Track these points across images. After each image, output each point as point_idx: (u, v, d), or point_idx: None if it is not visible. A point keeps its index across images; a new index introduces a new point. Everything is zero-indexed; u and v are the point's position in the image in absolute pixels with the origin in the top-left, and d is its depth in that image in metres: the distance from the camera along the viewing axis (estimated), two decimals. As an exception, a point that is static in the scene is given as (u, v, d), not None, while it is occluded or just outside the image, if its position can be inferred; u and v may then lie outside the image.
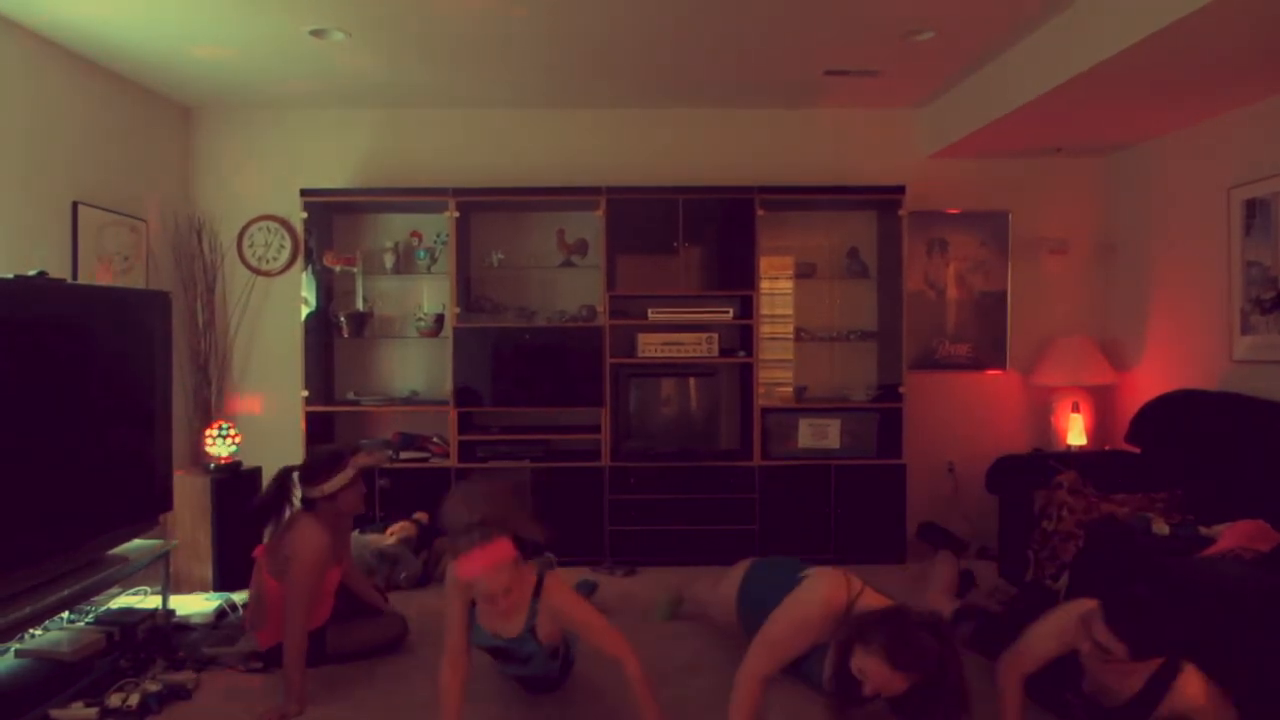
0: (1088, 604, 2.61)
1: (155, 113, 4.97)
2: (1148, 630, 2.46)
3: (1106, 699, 2.64)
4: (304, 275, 4.95)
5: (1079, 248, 5.43)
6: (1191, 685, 2.56)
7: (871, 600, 2.85)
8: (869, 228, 5.33)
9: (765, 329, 5.08)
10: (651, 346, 4.93)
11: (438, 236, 5.06)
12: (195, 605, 4.00)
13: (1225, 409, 4.04)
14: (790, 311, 5.27)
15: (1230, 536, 3.29)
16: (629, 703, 2.76)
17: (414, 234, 5.15)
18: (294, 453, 4.86)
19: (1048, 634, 2.71)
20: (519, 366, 4.92)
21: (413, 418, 5.21)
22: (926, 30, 4.01)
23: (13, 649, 3.28)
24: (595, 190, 4.93)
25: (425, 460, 4.95)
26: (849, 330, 5.29)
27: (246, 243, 5.28)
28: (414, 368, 5.32)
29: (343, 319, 5.04)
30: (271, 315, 5.29)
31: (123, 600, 3.99)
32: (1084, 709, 2.73)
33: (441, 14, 3.81)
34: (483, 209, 5.20)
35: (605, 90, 4.98)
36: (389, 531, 4.59)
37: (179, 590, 4.25)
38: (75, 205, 4.23)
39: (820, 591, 2.89)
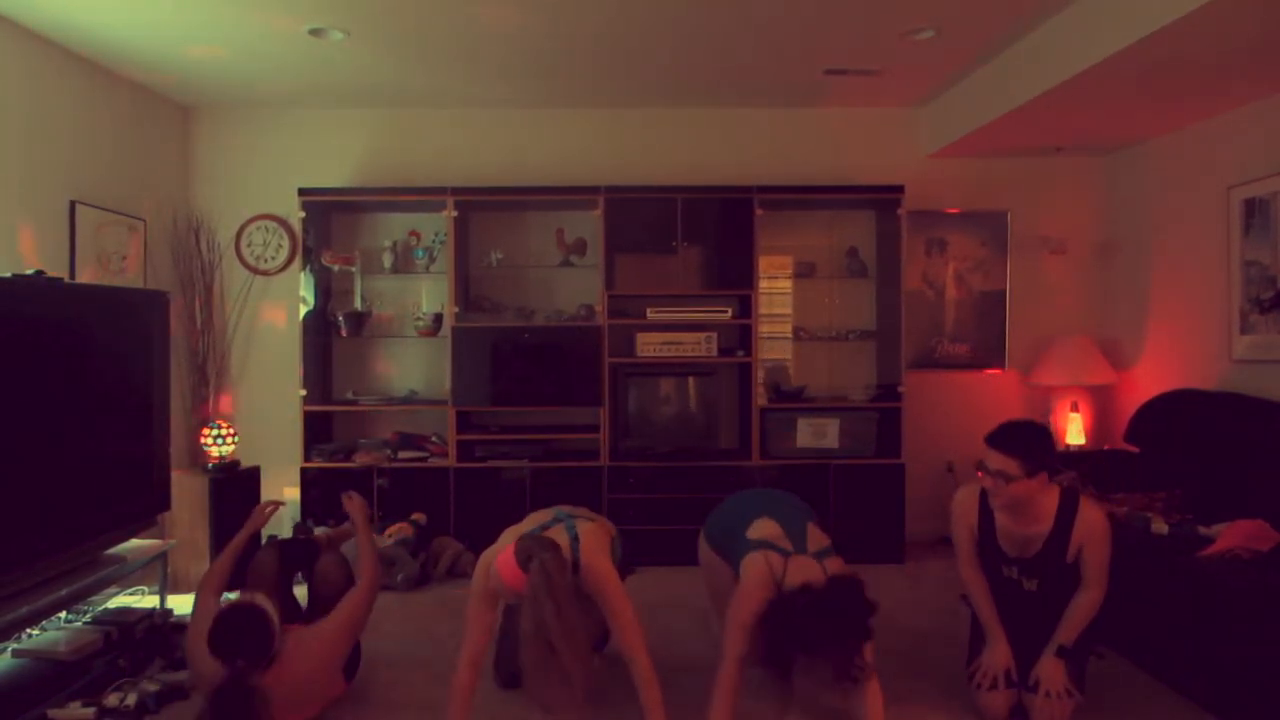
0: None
1: (154, 112, 4.96)
2: (1027, 441, 2.85)
3: (1028, 548, 2.89)
4: (302, 274, 4.95)
5: (1078, 247, 5.43)
6: (1092, 510, 2.85)
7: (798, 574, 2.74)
8: (868, 227, 5.32)
9: (764, 328, 5.09)
10: (650, 346, 4.92)
11: (436, 236, 5.05)
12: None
13: (1225, 408, 4.04)
14: (789, 311, 5.29)
15: (1229, 536, 3.29)
16: (631, 703, 2.75)
17: (412, 233, 5.14)
18: (292, 452, 4.87)
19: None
20: (518, 366, 4.91)
21: (411, 417, 5.20)
22: (926, 29, 4.01)
23: (10, 649, 3.27)
24: (594, 190, 4.92)
25: (424, 460, 4.95)
26: (848, 330, 5.29)
27: (245, 242, 5.27)
28: (412, 367, 5.32)
29: (341, 318, 5.03)
30: (270, 315, 5.28)
31: (120, 600, 3.99)
32: (1016, 566, 2.92)
33: (440, 13, 3.80)
34: (481, 208, 5.19)
35: (604, 90, 4.97)
36: (386, 533, 4.58)
37: (177, 590, 4.25)
38: (73, 204, 4.22)
39: (748, 589, 2.77)
